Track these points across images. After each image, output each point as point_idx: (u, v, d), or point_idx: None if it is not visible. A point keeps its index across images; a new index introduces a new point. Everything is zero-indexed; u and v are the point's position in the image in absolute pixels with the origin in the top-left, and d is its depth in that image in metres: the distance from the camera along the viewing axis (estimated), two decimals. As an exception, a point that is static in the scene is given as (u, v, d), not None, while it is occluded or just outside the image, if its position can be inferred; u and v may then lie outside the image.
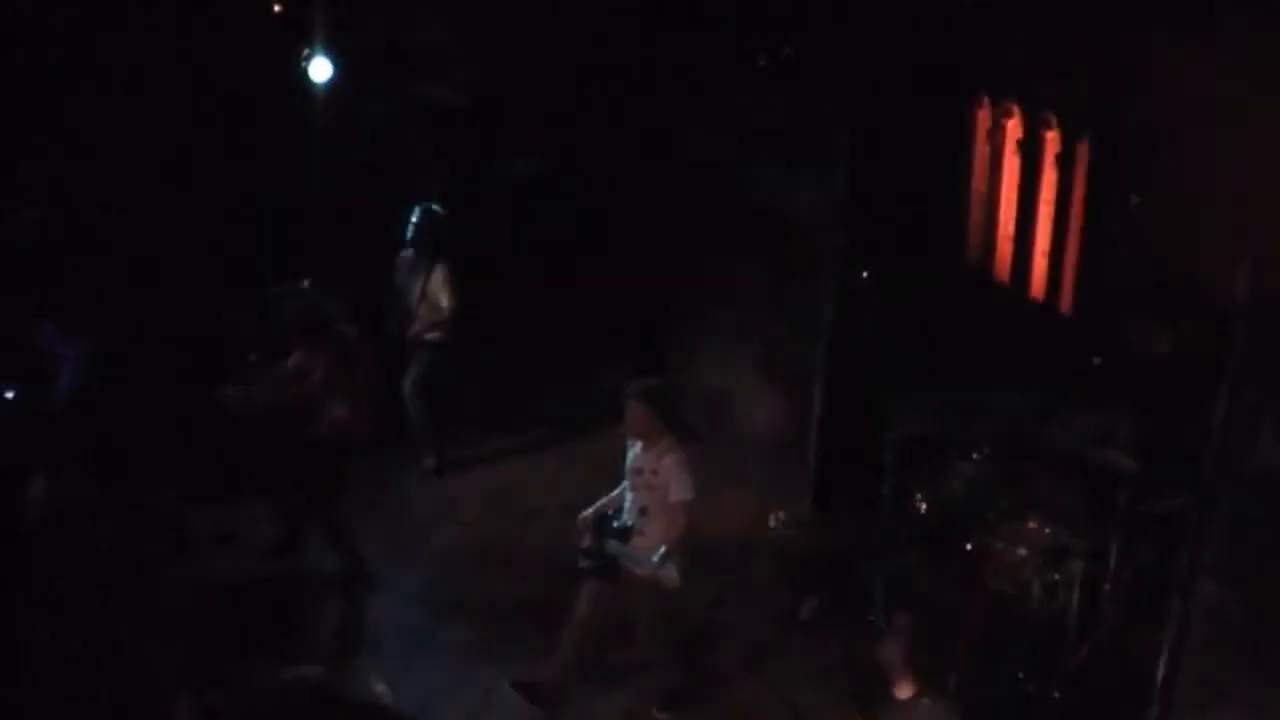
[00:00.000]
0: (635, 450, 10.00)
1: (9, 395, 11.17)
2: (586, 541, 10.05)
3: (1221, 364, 8.22)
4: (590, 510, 10.18)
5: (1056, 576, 10.25)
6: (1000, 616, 10.45)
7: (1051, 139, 11.56)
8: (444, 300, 12.76)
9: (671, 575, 9.68)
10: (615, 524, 9.97)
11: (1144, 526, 10.07)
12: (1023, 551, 10.31)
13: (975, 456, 10.83)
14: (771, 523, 12.55)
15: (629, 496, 10.04)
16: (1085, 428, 10.51)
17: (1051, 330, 11.68)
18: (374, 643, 10.92)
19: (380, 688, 10.28)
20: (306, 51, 13.28)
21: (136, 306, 12.75)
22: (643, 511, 9.86)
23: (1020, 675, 10.26)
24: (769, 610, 11.26)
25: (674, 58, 13.46)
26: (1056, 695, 10.14)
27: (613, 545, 9.90)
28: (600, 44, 14.32)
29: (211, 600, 10.45)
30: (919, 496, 11.13)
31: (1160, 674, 9.17)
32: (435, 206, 12.85)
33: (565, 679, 10.19)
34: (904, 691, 8.11)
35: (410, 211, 12.86)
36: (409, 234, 12.84)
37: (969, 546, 10.84)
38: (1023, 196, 11.96)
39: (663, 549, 9.64)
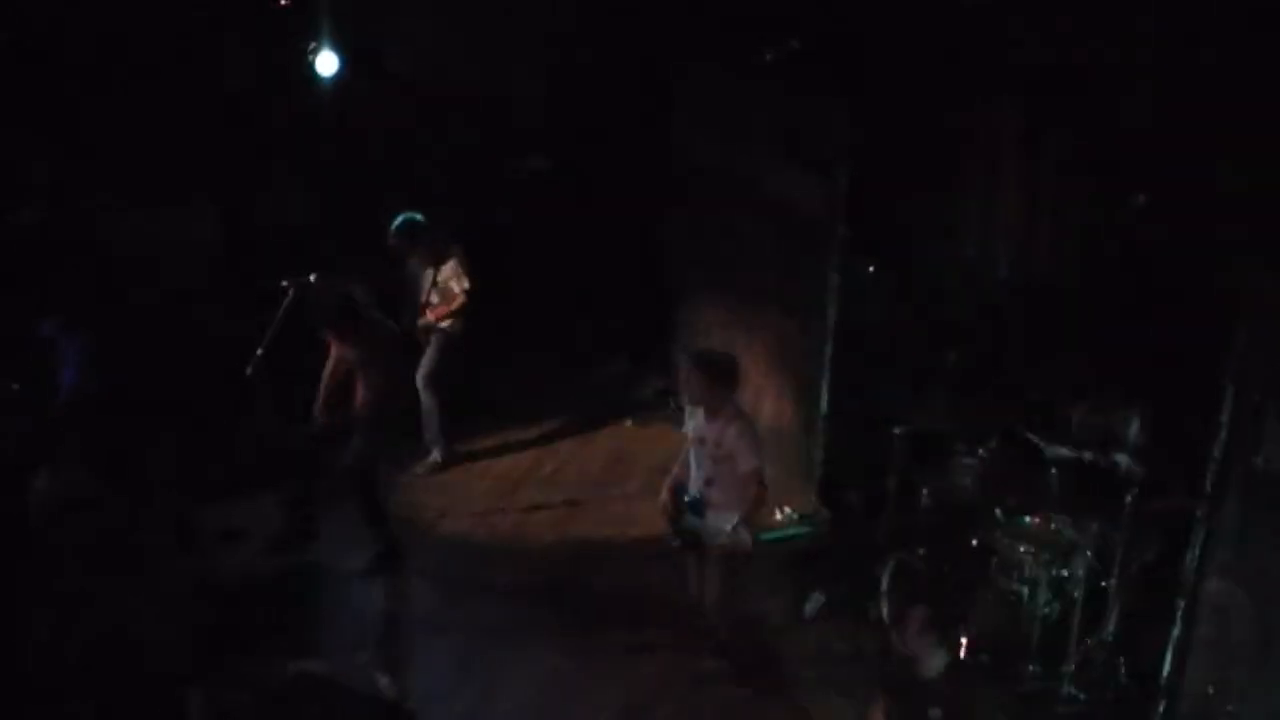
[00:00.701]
0: (697, 419, 9.91)
1: (14, 389, 11.20)
2: (671, 516, 10.03)
3: (1227, 364, 8.22)
4: (664, 490, 10.11)
5: (1063, 573, 10.24)
6: (1006, 613, 10.44)
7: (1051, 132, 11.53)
8: (457, 287, 12.75)
9: (745, 541, 9.57)
10: (687, 498, 9.91)
11: (1149, 524, 10.05)
12: (1029, 548, 10.30)
13: (982, 453, 10.82)
14: (778, 517, 12.54)
15: (693, 466, 9.94)
16: (1092, 425, 10.50)
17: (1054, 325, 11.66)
18: (379, 635, 10.91)
19: (384, 681, 10.34)
20: (313, 45, 13.22)
21: (137, 304, 12.76)
22: (708, 482, 9.79)
23: (1026, 672, 10.26)
24: (775, 606, 11.21)
25: (676, 54, 13.43)
26: (1062, 692, 10.13)
27: (690, 520, 9.87)
28: (601, 41, 14.28)
29: (216, 596, 10.46)
30: (925, 492, 11.12)
31: (1166, 671, 9.18)
32: (417, 216, 12.82)
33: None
34: (930, 670, 8.13)
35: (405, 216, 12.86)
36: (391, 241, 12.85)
37: (975, 543, 10.84)
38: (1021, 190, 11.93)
39: (735, 520, 9.55)
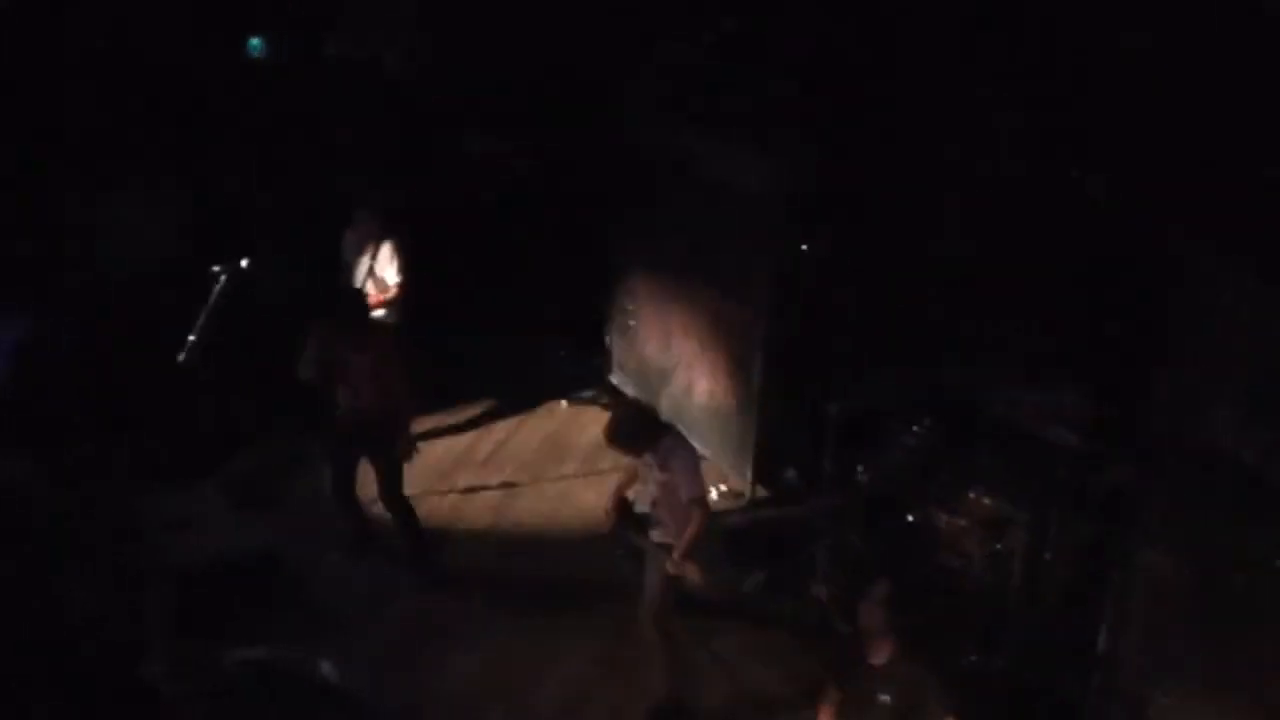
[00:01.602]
0: None
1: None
2: (616, 527, 10.02)
3: (1164, 338, 8.32)
4: (610, 499, 10.09)
5: (999, 548, 10.33)
6: (943, 588, 10.53)
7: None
8: (391, 277, 12.69)
9: (693, 573, 9.58)
10: (637, 512, 9.92)
11: (1086, 499, 10.16)
12: (965, 523, 10.39)
13: (917, 429, 10.89)
14: (713, 495, 12.59)
15: (644, 480, 9.91)
16: (1028, 401, 10.60)
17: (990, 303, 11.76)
18: (321, 622, 10.88)
19: (327, 666, 10.30)
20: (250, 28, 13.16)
21: (71, 291, 12.67)
22: (654, 504, 9.76)
23: (963, 646, 10.35)
24: (711, 584, 11.23)
25: (626, 32, 13.41)
26: (999, 666, 10.23)
27: (632, 537, 9.89)
28: (552, 21, 14.25)
29: (160, 583, 10.40)
30: (861, 469, 11.19)
31: (1102, 644, 9.30)
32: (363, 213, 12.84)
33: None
34: (880, 656, 8.20)
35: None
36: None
37: (911, 519, 10.93)
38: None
39: (678, 553, 9.51)
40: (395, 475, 11.33)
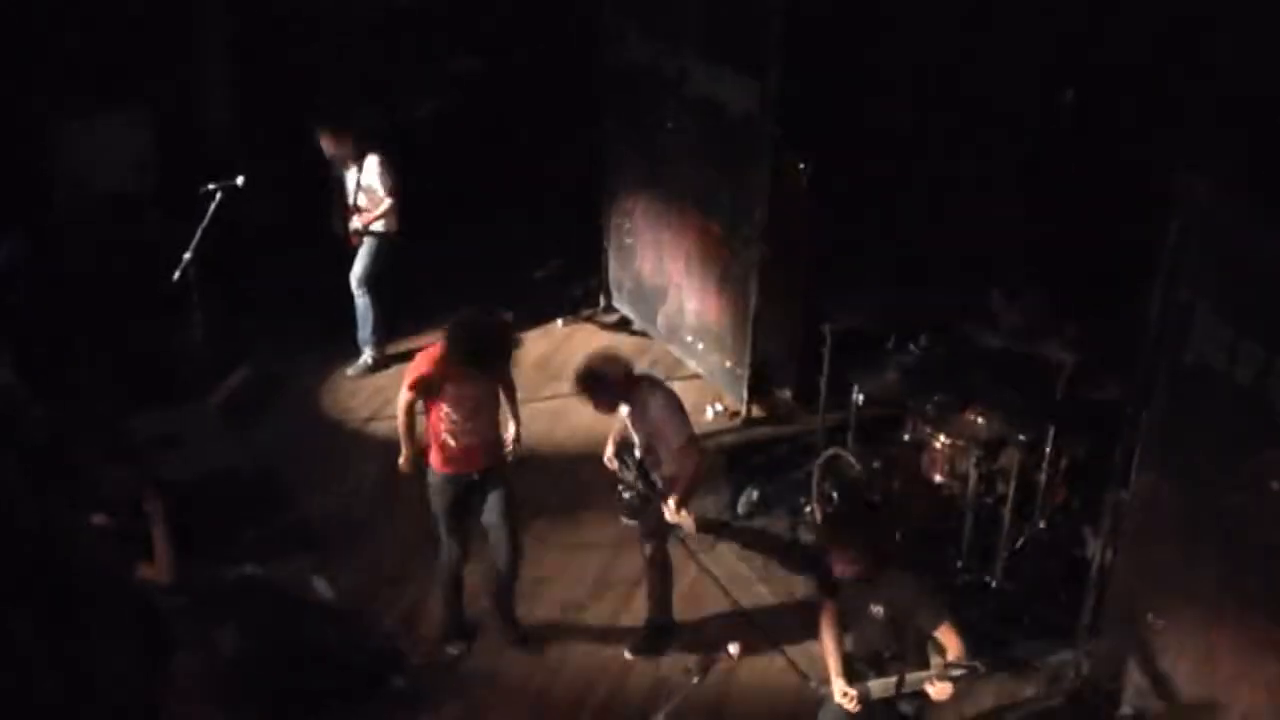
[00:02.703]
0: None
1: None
2: (620, 471, 9.86)
3: (1157, 259, 8.28)
4: (609, 447, 9.90)
5: (993, 467, 10.34)
6: (937, 507, 10.55)
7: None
8: (381, 189, 12.63)
9: (688, 522, 9.47)
10: (633, 457, 9.72)
11: (1080, 417, 10.16)
12: (960, 442, 10.39)
13: (912, 349, 10.86)
14: (709, 414, 12.60)
15: (631, 430, 9.72)
16: (1023, 320, 10.59)
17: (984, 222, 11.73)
18: (316, 539, 10.91)
19: (320, 584, 10.35)
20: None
21: (70, 210, 12.66)
22: (648, 449, 9.60)
23: (958, 564, 10.38)
24: (706, 502, 11.25)
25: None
26: (993, 584, 10.27)
27: (632, 478, 9.74)
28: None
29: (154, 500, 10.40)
30: (856, 389, 11.17)
31: (1095, 563, 9.31)
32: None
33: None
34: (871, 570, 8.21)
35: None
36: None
37: (906, 438, 10.94)
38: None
39: (674, 500, 9.38)
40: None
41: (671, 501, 9.32)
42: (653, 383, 9.68)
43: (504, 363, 9.55)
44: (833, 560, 8.16)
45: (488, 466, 9.69)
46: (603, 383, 9.34)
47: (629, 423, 9.62)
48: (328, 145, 12.57)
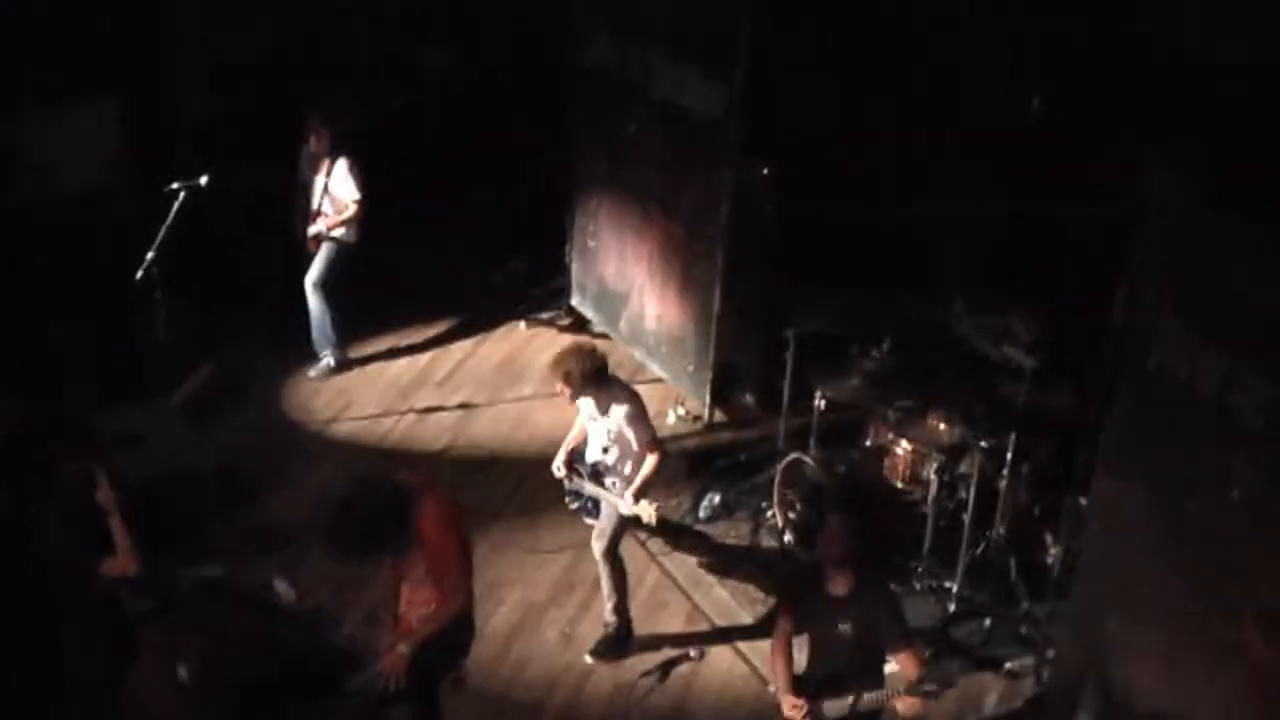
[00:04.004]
0: (587, 401, 9.76)
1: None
2: (567, 481, 10.03)
3: (1121, 264, 8.32)
4: (560, 455, 10.04)
5: (955, 472, 10.36)
6: (899, 512, 10.56)
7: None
8: (347, 195, 12.59)
9: (648, 511, 9.52)
10: (588, 462, 9.88)
11: (1042, 423, 10.19)
12: (921, 448, 10.41)
13: (875, 353, 10.88)
14: (671, 418, 12.60)
15: (590, 436, 9.90)
16: (985, 325, 10.60)
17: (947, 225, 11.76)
18: (277, 541, 10.86)
19: (281, 585, 10.32)
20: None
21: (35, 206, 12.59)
22: (605, 450, 9.75)
23: (918, 569, 10.40)
24: (668, 505, 11.25)
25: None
26: (954, 589, 10.29)
27: (587, 486, 9.88)
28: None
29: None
30: (818, 393, 11.18)
31: (1056, 569, 9.34)
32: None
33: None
34: (840, 588, 8.20)
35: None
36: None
37: (868, 443, 10.95)
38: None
39: (631, 492, 9.49)
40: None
41: (628, 493, 9.42)
42: (623, 386, 9.79)
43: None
44: (833, 576, 8.17)
45: None
46: (584, 375, 9.43)
47: (590, 422, 9.64)
48: (314, 139, 12.55)
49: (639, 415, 9.59)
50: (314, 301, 12.90)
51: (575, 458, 10.00)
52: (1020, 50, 11.03)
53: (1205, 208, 7.84)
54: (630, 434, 9.57)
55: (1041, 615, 9.85)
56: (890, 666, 8.35)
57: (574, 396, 9.63)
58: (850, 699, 8.13)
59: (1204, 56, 8.80)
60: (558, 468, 10.04)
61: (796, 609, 8.45)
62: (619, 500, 9.56)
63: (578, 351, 9.59)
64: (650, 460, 9.57)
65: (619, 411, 9.55)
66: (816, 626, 8.33)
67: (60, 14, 12.72)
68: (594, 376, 9.50)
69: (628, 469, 9.69)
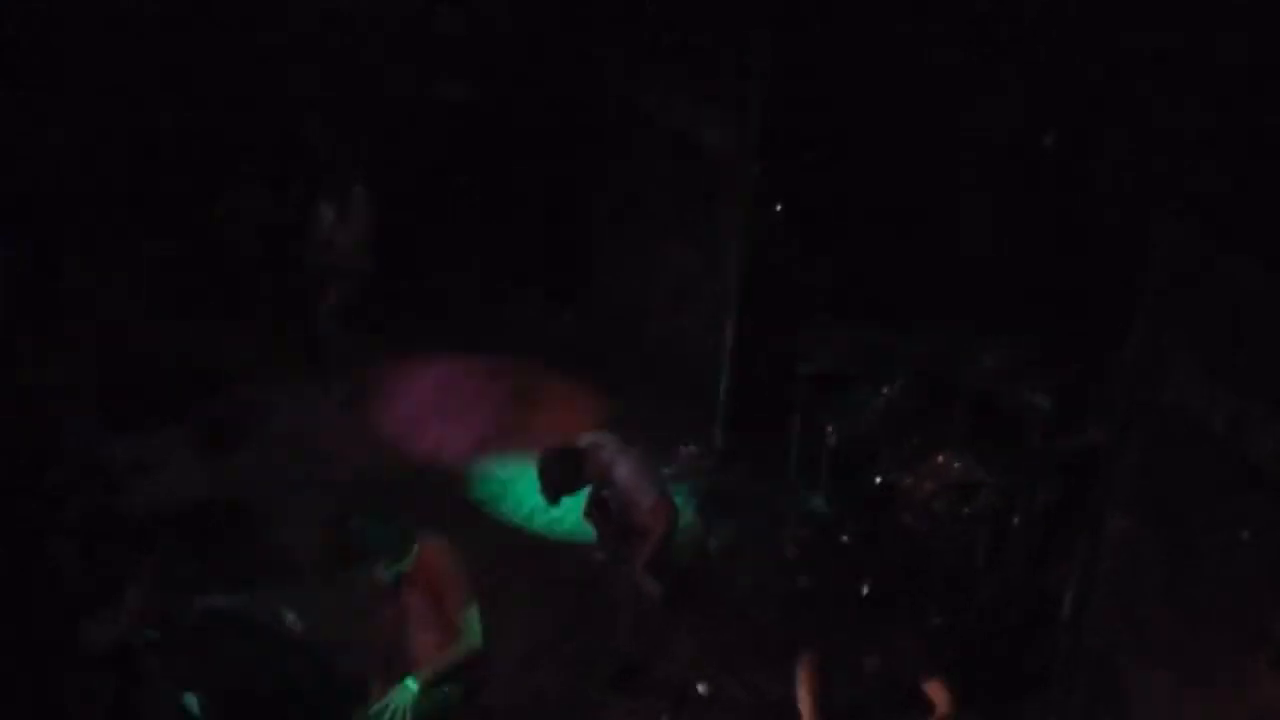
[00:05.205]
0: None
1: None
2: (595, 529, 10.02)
3: (1135, 301, 8.31)
4: (587, 504, 10.02)
5: (966, 511, 10.34)
6: (910, 551, 10.54)
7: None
8: (361, 222, 12.59)
9: (652, 590, 9.54)
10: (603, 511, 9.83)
11: (1054, 461, 10.17)
12: (933, 486, 10.39)
13: (886, 391, 10.88)
14: (681, 453, 12.58)
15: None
16: (997, 363, 10.60)
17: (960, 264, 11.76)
18: (286, 571, 10.85)
19: (291, 617, 10.28)
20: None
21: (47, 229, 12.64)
22: (621, 508, 9.70)
23: (930, 609, 10.37)
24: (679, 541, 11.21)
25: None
26: (966, 629, 10.25)
27: (607, 542, 9.91)
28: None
29: (124, 528, 10.36)
30: (830, 430, 11.18)
31: (1069, 608, 9.31)
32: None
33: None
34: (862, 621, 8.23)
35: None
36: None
37: (879, 481, 10.93)
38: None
39: (639, 568, 9.49)
40: None
41: (638, 566, 9.41)
42: (614, 449, 9.69)
43: None
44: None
45: None
46: (563, 478, 9.49)
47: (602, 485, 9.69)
48: (321, 179, 12.59)
49: (640, 472, 9.60)
50: (328, 331, 12.91)
51: (595, 504, 9.96)
52: (1035, 86, 11.02)
53: (1220, 244, 7.85)
54: (635, 496, 9.54)
55: (1054, 656, 9.81)
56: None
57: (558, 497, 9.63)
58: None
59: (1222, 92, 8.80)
60: (584, 516, 10.01)
61: (820, 641, 8.44)
62: (629, 569, 9.53)
63: (543, 466, 9.57)
64: (659, 523, 9.49)
65: (617, 477, 9.55)
66: (839, 659, 8.31)
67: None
68: (569, 477, 9.55)
69: (639, 521, 9.61)
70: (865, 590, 8.41)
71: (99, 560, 8.06)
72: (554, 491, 9.54)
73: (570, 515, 10.54)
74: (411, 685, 7.99)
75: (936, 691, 8.13)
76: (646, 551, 9.45)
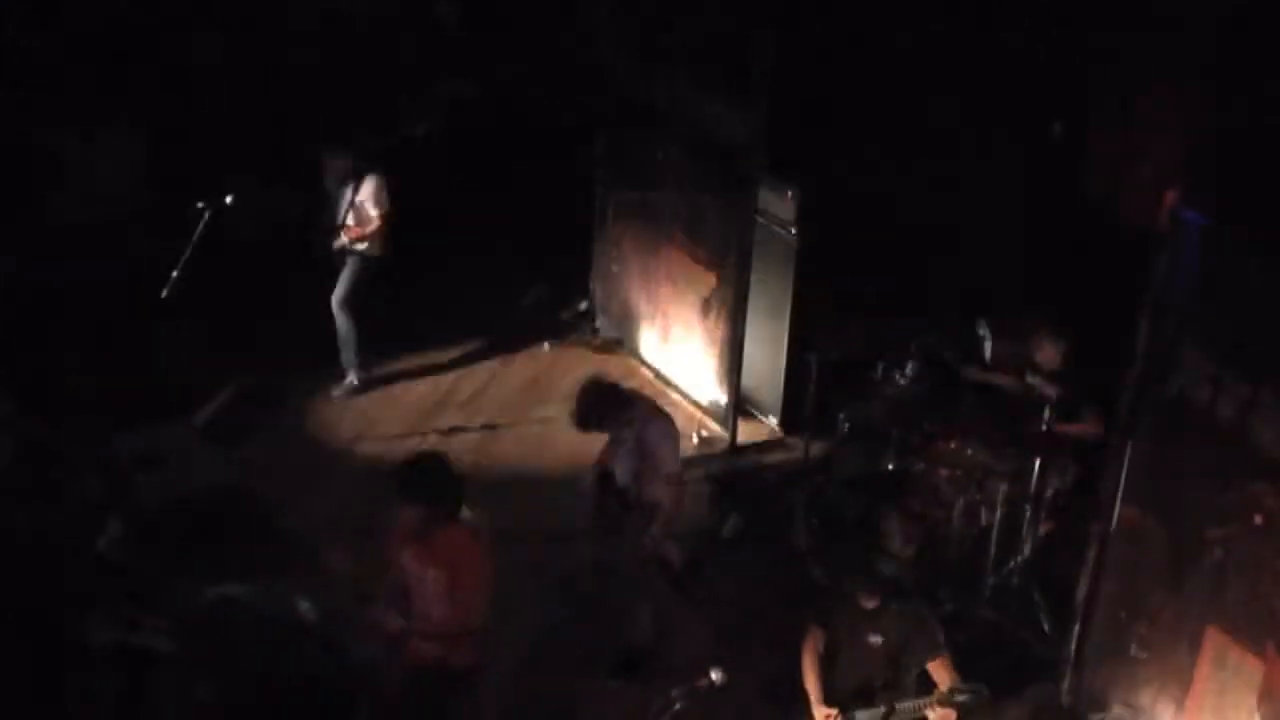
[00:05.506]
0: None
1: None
2: (594, 501, 9.91)
3: (1143, 290, 8.30)
4: (592, 475, 9.94)
5: (978, 497, 10.35)
6: (922, 536, 10.55)
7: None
8: (374, 210, 12.61)
9: (672, 554, 9.55)
10: (617, 485, 9.72)
11: (1064, 449, 10.18)
12: (945, 473, 10.40)
13: (898, 378, 10.88)
14: (694, 441, 12.58)
15: (620, 454, 9.74)
16: (1009, 350, 10.60)
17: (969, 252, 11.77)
18: (297, 562, 10.86)
19: (304, 605, 10.29)
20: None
21: (57, 224, 12.64)
22: (635, 475, 9.60)
23: (941, 594, 10.38)
24: (691, 527, 11.23)
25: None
26: (978, 614, 10.26)
27: (615, 511, 9.77)
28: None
29: (134, 520, 10.37)
30: (842, 417, 11.19)
31: (1080, 594, 9.31)
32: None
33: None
34: (869, 601, 8.22)
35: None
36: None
37: (891, 467, 10.94)
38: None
39: (657, 534, 9.45)
40: None
41: (655, 531, 9.33)
42: (651, 408, 9.73)
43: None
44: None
45: None
46: (604, 410, 9.43)
47: (615, 449, 9.60)
48: (329, 167, 12.60)
49: (671, 440, 9.59)
50: (340, 318, 12.91)
51: (604, 480, 9.95)
52: (1041, 76, 11.03)
53: (1226, 232, 7.84)
54: (660, 457, 9.50)
55: (1065, 641, 9.80)
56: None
57: (587, 429, 9.58)
58: (883, 709, 8.16)
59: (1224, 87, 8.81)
60: (589, 486, 9.99)
61: (827, 621, 8.46)
62: (639, 532, 9.53)
63: (582, 388, 9.57)
64: (673, 493, 9.50)
65: (651, 431, 9.51)
66: (847, 638, 8.34)
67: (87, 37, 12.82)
68: (610, 412, 9.48)
69: (652, 493, 9.58)
70: (875, 577, 8.35)
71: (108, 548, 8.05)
72: (584, 417, 9.51)
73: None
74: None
75: (939, 670, 8.17)
76: (661, 523, 9.44)
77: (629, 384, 10.67)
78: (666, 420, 9.68)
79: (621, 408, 9.53)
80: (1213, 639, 8.15)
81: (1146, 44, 10.33)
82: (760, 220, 11.97)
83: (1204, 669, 8.24)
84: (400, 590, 8.38)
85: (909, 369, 10.84)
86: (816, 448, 11.64)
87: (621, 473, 9.72)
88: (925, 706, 8.14)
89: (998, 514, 10.17)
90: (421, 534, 8.14)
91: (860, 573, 8.44)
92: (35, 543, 8.08)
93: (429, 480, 8.12)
